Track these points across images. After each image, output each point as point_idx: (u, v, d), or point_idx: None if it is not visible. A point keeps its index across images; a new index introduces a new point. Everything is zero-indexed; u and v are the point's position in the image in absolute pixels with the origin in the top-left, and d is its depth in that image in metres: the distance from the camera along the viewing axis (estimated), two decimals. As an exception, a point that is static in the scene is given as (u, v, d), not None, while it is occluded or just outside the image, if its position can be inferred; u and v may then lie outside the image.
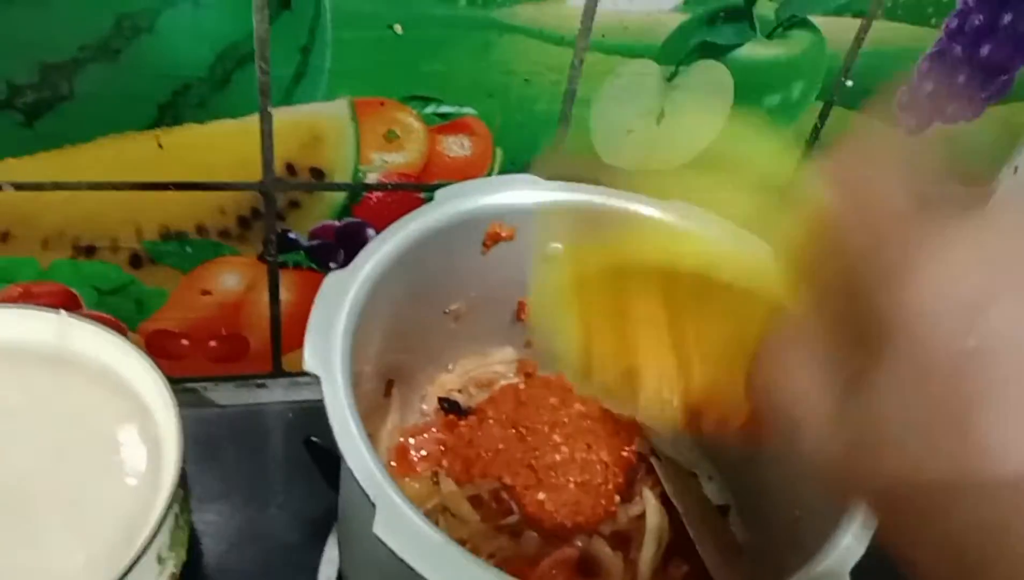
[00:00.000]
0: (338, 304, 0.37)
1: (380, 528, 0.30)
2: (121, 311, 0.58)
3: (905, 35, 0.57)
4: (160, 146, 0.50)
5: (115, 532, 0.42)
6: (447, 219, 0.44)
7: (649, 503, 0.46)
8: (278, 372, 0.65)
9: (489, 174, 0.57)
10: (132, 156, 0.50)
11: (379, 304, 0.40)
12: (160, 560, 0.42)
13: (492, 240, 0.45)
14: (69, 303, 0.56)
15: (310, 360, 0.35)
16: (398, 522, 0.31)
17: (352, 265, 0.39)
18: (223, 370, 0.63)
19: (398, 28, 0.49)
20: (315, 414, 0.35)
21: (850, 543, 0.34)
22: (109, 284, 0.56)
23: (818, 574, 0.33)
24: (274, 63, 0.48)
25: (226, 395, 0.64)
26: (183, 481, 0.45)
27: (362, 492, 0.32)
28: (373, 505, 0.31)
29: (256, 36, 0.47)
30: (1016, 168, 0.68)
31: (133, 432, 0.46)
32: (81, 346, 0.48)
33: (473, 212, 0.44)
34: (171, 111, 0.49)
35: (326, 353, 0.35)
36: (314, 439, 0.49)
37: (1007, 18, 0.57)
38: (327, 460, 0.48)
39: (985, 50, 0.58)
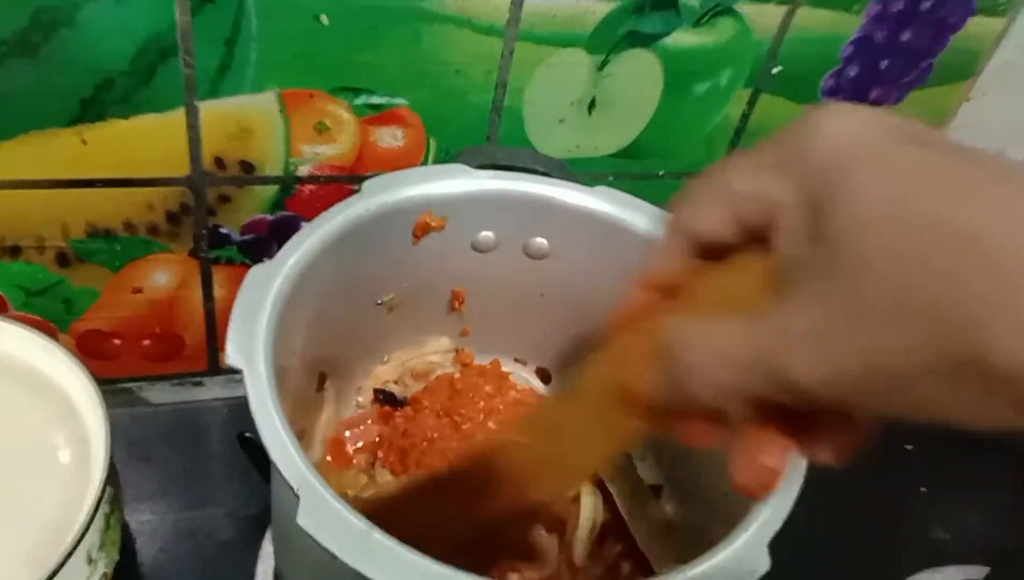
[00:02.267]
0: (261, 297, 0.37)
1: (303, 518, 0.30)
2: (50, 312, 0.56)
3: (829, 21, 0.58)
4: (84, 142, 0.49)
5: (44, 533, 0.41)
6: (376, 209, 0.43)
7: (583, 485, 0.46)
8: (214, 369, 0.64)
9: (424, 164, 0.57)
10: (55, 153, 0.49)
11: (305, 296, 0.40)
12: (90, 561, 0.41)
13: (422, 230, 0.46)
14: (-5, 304, 0.54)
15: (232, 354, 0.35)
16: (321, 512, 0.31)
17: (276, 258, 0.39)
18: (158, 369, 0.63)
19: (324, 19, 0.48)
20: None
21: (769, 516, 0.35)
22: (36, 284, 0.55)
23: (739, 547, 0.34)
24: (198, 56, 0.48)
25: (162, 394, 0.64)
26: (113, 480, 0.44)
27: (287, 484, 0.32)
28: (297, 496, 0.31)
29: (179, 28, 0.46)
30: (940, 151, 0.70)
31: (61, 433, 0.45)
32: (6, 348, 0.47)
33: (402, 202, 0.44)
34: (94, 106, 0.48)
35: (249, 346, 0.35)
36: (247, 434, 0.48)
37: (927, 4, 0.58)
38: (261, 455, 0.48)
39: (907, 35, 0.60)
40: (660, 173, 0.63)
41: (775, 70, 0.59)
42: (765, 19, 0.56)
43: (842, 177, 0.21)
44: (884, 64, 0.61)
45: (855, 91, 0.62)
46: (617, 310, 0.30)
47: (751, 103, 0.61)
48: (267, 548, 0.50)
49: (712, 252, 0.27)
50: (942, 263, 0.19)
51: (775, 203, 0.24)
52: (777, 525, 0.34)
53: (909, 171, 0.21)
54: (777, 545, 0.34)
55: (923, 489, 0.67)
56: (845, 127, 0.22)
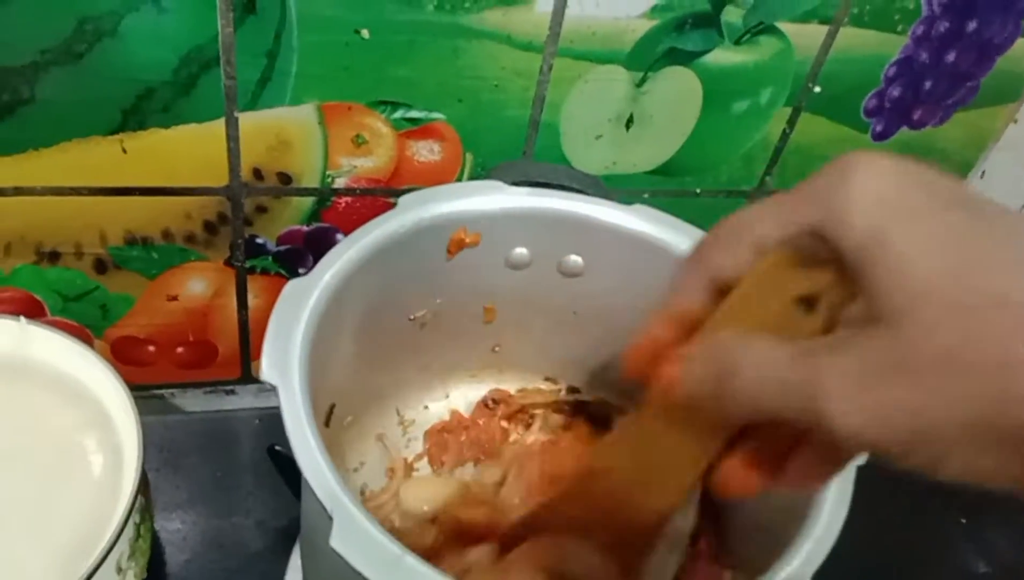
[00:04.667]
0: (297, 312, 0.37)
1: (337, 541, 0.30)
2: (86, 317, 0.57)
3: (872, 41, 0.57)
4: (124, 151, 0.50)
5: (74, 540, 0.41)
6: (411, 225, 0.43)
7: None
8: (247, 378, 0.64)
9: (459, 179, 0.57)
10: (96, 161, 0.49)
11: (341, 312, 0.40)
12: (119, 569, 0.42)
13: (457, 246, 0.45)
14: (33, 310, 0.55)
15: (267, 370, 0.34)
16: (355, 535, 0.30)
17: (312, 273, 0.39)
18: (191, 376, 0.63)
19: (365, 33, 0.48)
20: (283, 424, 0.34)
21: (812, 549, 0.34)
22: (73, 290, 0.55)
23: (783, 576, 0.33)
24: (240, 67, 0.48)
25: (194, 402, 0.64)
26: (144, 489, 0.44)
27: (319, 505, 0.31)
28: (330, 518, 0.31)
29: (221, 40, 0.47)
30: (983, 173, 0.69)
31: (93, 439, 0.45)
32: (41, 353, 0.47)
33: (437, 218, 0.44)
34: (135, 116, 0.48)
35: (284, 362, 0.35)
36: (278, 447, 0.48)
37: (972, 25, 0.57)
38: (291, 469, 0.48)
39: (951, 56, 0.59)
40: (697, 191, 0.62)
41: (816, 89, 0.58)
42: (807, 38, 0.56)
43: (886, 242, 0.22)
44: (928, 85, 0.60)
45: (898, 111, 0.61)
46: (635, 345, 0.30)
47: (791, 122, 0.60)
48: (295, 562, 0.50)
49: (726, 293, 0.27)
50: (995, 334, 0.20)
51: (807, 245, 0.24)
52: (821, 558, 0.33)
53: (954, 239, 0.21)
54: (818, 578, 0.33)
55: (963, 520, 0.66)
56: (880, 185, 0.23)
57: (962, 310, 0.21)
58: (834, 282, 0.24)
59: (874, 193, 0.22)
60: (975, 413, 0.20)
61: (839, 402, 0.22)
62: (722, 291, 0.27)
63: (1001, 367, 0.20)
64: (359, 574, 0.30)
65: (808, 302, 0.25)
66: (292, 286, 0.38)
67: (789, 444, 0.27)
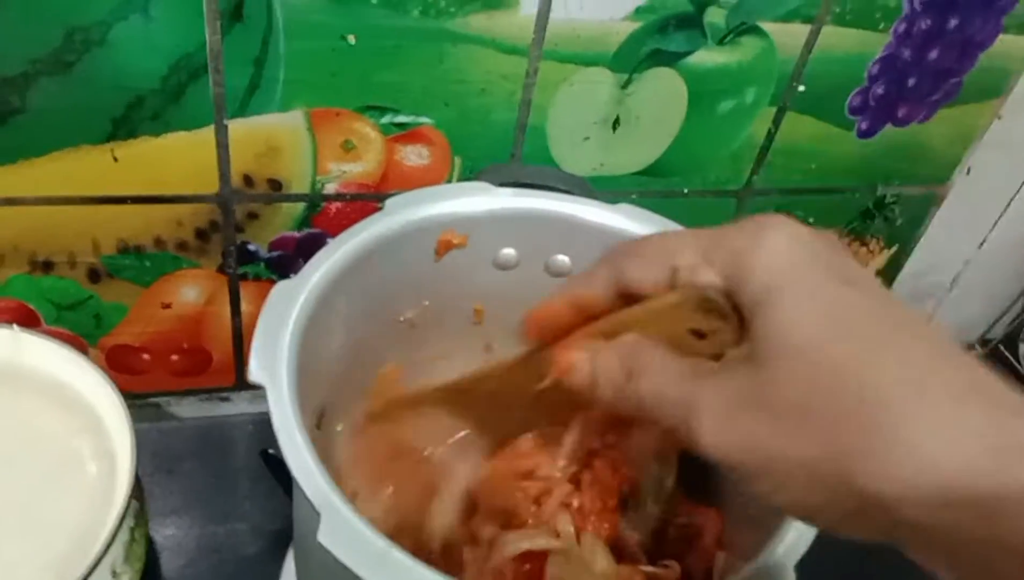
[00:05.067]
0: (285, 314, 0.37)
1: (324, 536, 0.30)
2: (80, 326, 0.57)
3: (854, 40, 0.58)
4: (115, 159, 0.50)
5: (69, 546, 0.41)
6: (398, 227, 0.44)
7: None
8: (241, 385, 0.65)
9: (449, 182, 0.57)
10: (87, 170, 0.50)
11: (329, 313, 0.40)
12: (114, 574, 0.42)
13: (444, 248, 0.46)
14: (27, 319, 0.55)
15: (256, 370, 0.35)
16: (342, 530, 0.31)
17: (299, 275, 0.39)
18: (186, 384, 0.63)
19: (351, 38, 0.49)
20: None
21: (796, 538, 0.34)
22: (67, 299, 0.56)
23: (764, 568, 0.34)
24: (228, 75, 0.48)
25: (189, 409, 0.64)
26: (138, 495, 0.45)
27: (308, 501, 0.32)
28: (318, 514, 0.31)
29: (209, 48, 0.47)
30: (969, 169, 0.70)
31: (87, 446, 0.45)
32: (35, 361, 0.48)
33: (424, 220, 0.44)
34: (125, 124, 0.49)
35: (273, 363, 0.35)
36: (271, 451, 0.49)
37: (953, 22, 0.58)
38: (284, 471, 0.48)
39: (933, 54, 0.59)
40: (685, 191, 0.63)
41: (800, 88, 0.59)
42: (790, 38, 0.56)
43: (777, 302, 0.25)
44: (911, 82, 0.61)
45: (882, 109, 0.62)
46: (537, 310, 0.35)
47: (776, 121, 0.61)
48: (289, 565, 0.51)
49: (628, 299, 0.31)
50: (838, 397, 0.23)
51: (713, 298, 0.28)
52: (804, 547, 0.34)
53: (831, 313, 0.24)
54: (805, 567, 0.33)
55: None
56: (786, 252, 0.26)
57: (821, 370, 0.23)
58: (726, 329, 0.28)
59: (779, 257, 0.26)
60: (811, 455, 0.23)
61: (708, 423, 0.26)
62: (624, 295, 0.31)
63: (835, 423, 0.23)
64: (347, 569, 0.30)
65: (701, 335, 0.29)
66: (280, 288, 0.38)
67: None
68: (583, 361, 0.31)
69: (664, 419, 0.28)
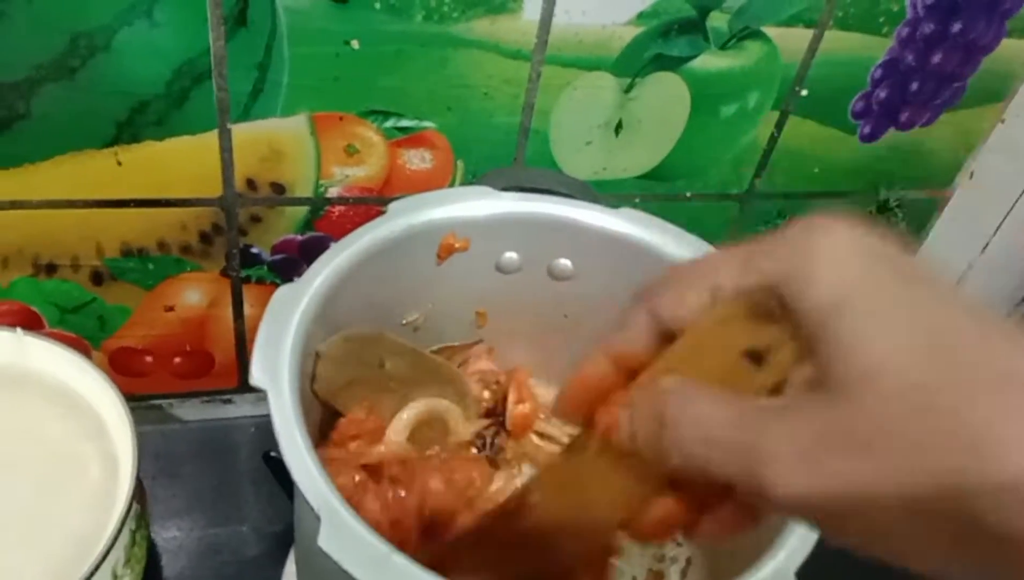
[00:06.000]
0: (287, 318, 0.37)
1: (324, 540, 0.31)
2: (84, 329, 0.58)
3: (857, 44, 0.58)
4: (119, 163, 0.50)
5: (70, 548, 0.42)
6: (400, 231, 0.44)
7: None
8: (244, 387, 0.65)
9: (451, 186, 0.57)
10: (91, 174, 0.50)
11: (332, 317, 0.40)
12: (115, 577, 0.42)
13: (446, 251, 0.46)
14: (31, 322, 0.56)
15: (257, 374, 0.35)
16: (343, 534, 0.31)
17: (302, 278, 0.39)
18: (188, 386, 0.63)
19: (355, 43, 0.49)
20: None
21: (796, 544, 0.34)
22: (71, 302, 0.56)
23: (765, 575, 0.34)
24: (232, 79, 0.49)
25: (192, 411, 0.64)
26: (139, 497, 0.45)
27: (308, 505, 0.32)
28: (318, 518, 0.31)
29: (213, 53, 0.47)
30: (972, 173, 0.69)
31: (90, 448, 0.46)
32: (38, 364, 0.48)
33: (426, 224, 0.45)
34: (129, 128, 0.49)
35: (274, 367, 0.35)
36: (273, 453, 0.49)
37: (956, 26, 0.58)
38: (286, 474, 0.48)
39: (936, 58, 0.59)
40: (688, 195, 0.63)
41: (803, 93, 0.59)
42: (793, 42, 0.56)
43: (846, 312, 0.22)
44: (914, 86, 0.61)
45: (885, 113, 0.62)
46: (572, 383, 0.29)
47: (779, 125, 0.61)
48: (290, 567, 0.51)
49: (672, 335, 0.27)
50: (935, 420, 0.20)
51: (764, 302, 0.24)
52: (804, 553, 0.34)
53: (914, 326, 0.21)
54: (804, 573, 0.33)
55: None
56: (846, 252, 0.23)
57: (914, 393, 0.20)
58: (785, 340, 0.24)
59: (839, 259, 0.22)
60: (913, 488, 0.20)
61: (782, 470, 0.22)
62: (667, 336, 0.27)
63: (937, 447, 0.20)
64: (347, 574, 0.30)
65: (757, 357, 0.25)
66: (282, 292, 0.39)
67: (710, 497, 0.26)
68: (624, 417, 0.26)
69: (720, 472, 0.23)
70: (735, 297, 0.25)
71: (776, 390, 0.24)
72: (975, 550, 0.20)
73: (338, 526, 0.31)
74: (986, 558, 0.20)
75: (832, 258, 0.22)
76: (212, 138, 0.51)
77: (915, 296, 0.22)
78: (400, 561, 0.31)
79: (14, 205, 0.50)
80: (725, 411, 0.24)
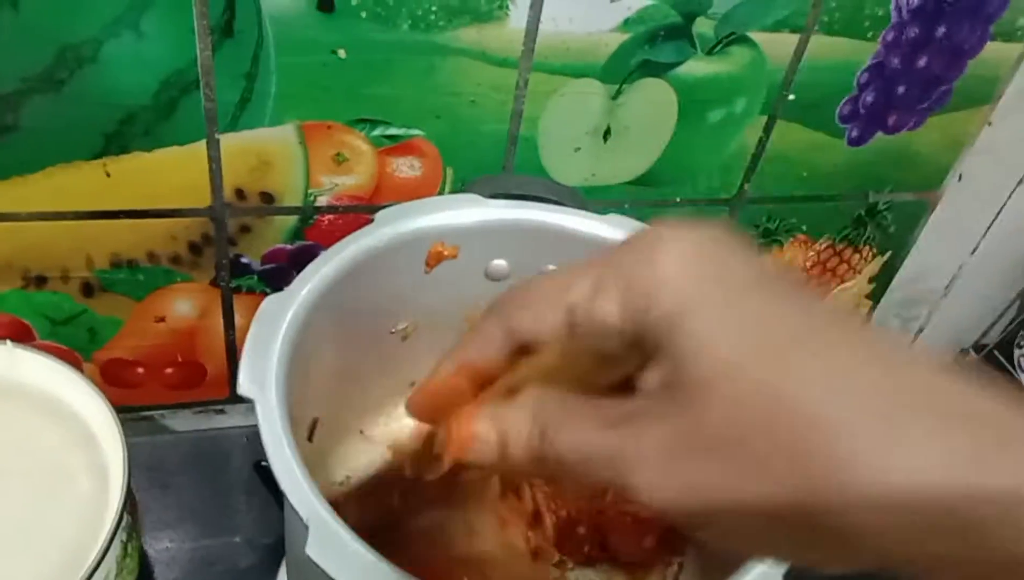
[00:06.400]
0: (275, 327, 0.38)
1: (312, 549, 0.31)
2: (74, 341, 0.58)
3: (843, 49, 0.58)
4: (108, 175, 0.50)
5: (61, 560, 0.41)
6: (388, 239, 0.44)
7: None
8: (236, 398, 0.64)
9: (441, 193, 0.57)
10: (80, 185, 0.50)
11: (320, 325, 0.40)
12: (106, 589, 0.42)
13: (435, 259, 0.46)
14: (21, 334, 0.56)
15: (245, 383, 0.35)
16: (330, 543, 0.31)
17: (290, 288, 0.39)
18: (180, 397, 0.63)
19: (342, 53, 0.49)
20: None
21: (765, 571, 0.34)
22: (61, 314, 0.56)
23: (756, 575, 0.33)
24: (219, 90, 0.49)
25: (184, 422, 0.64)
26: (131, 509, 0.45)
27: (296, 513, 0.32)
28: (306, 526, 0.31)
29: (200, 63, 0.47)
30: (960, 176, 0.70)
31: (80, 460, 0.45)
32: (28, 376, 0.48)
33: (414, 232, 0.45)
34: (117, 140, 0.49)
35: (262, 376, 0.36)
36: (264, 463, 0.48)
37: (941, 30, 0.58)
38: (276, 483, 0.48)
39: (922, 61, 0.60)
40: (677, 200, 0.63)
41: (790, 97, 0.59)
42: (779, 47, 0.57)
43: (686, 328, 0.22)
44: (901, 90, 0.61)
45: (872, 117, 0.62)
46: (423, 389, 0.30)
47: (767, 130, 0.61)
48: (283, 578, 0.51)
49: (525, 349, 0.27)
50: (770, 424, 0.21)
51: (616, 332, 0.25)
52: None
53: (745, 330, 0.22)
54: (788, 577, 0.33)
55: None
56: (686, 270, 0.23)
57: (748, 397, 0.21)
58: (632, 355, 0.25)
59: (680, 277, 0.23)
60: (759, 494, 0.21)
61: (647, 475, 0.23)
62: (519, 350, 0.27)
63: (775, 453, 0.21)
64: (335, 581, 0.30)
65: (609, 361, 0.26)
66: (269, 302, 0.39)
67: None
68: (486, 430, 0.27)
69: (594, 477, 0.24)
70: (587, 321, 0.25)
71: (627, 385, 0.25)
72: (838, 548, 0.21)
73: (325, 535, 0.31)
74: (851, 554, 0.21)
75: (671, 272, 0.23)
76: (200, 148, 0.51)
77: (750, 304, 0.23)
78: (387, 569, 0.31)
79: (3, 218, 0.50)
80: (594, 415, 0.24)
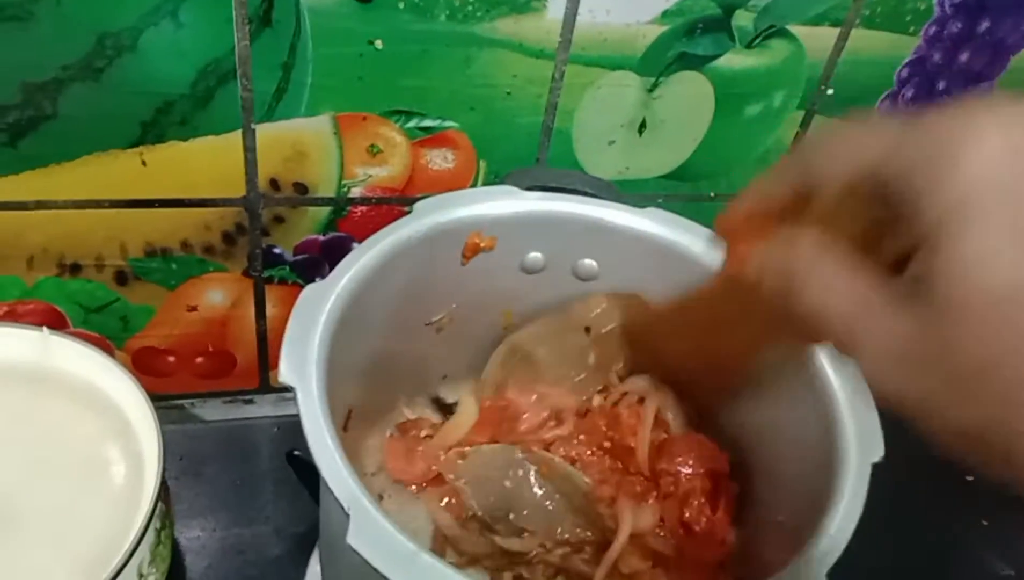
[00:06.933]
0: (315, 316, 0.37)
1: (353, 537, 0.30)
2: (107, 329, 0.58)
3: (884, 43, 0.57)
4: (144, 164, 0.50)
5: (96, 548, 0.42)
6: (426, 231, 0.44)
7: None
8: (265, 388, 0.65)
9: (473, 186, 0.57)
10: (116, 174, 0.50)
11: (358, 316, 0.40)
12: (140, 576, 0.42)
13: (471, 251, 0.46)
14: (55, 321, 0.56)
15: (286, 371, 0.35)
16: (371, 531, 0.31)
17: (329, 277, 0.39)
18: (210, 386, 0.64)
19: (378, 43, 0.49)
20: (302, 429, 0.35)
21: (827, 547, 0.34)
22: (95, 302, 0.56)
23: (796, 575, 0.33)
24: (256, 80, 0.49)
25: (213, 411, 0.65)
26: (164, 497, 0.45)
27: (337, 504, 0.32)
28: (347, 515, 0.31)
29: (237, 53, 0.47)
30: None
31: (115, 448, 0.46)
32: (63, 363, 0.48)
33: (451, 223, 0.45)
34: (154, 129, 0.49)
35: (302, 365, 0.35)
36: (297, 453, 0.49)
37: (984, 25, 0.57)
38: (310, 473, 0.48)
39: (964, 56, 0.59)
40: (711, 195, 0.62)
41: (829, 92, 0.59)
42: (819, 41, 0.56)
43: (972, 228, 0.21)
44: (941, 85, 0.60)
45: (912, 112, 0.61)
46: (728, 211, 0.32)
47: (804, 125, 0.60)
48: (314, 567, 0.51)
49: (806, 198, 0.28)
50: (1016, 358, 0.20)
51: (896, 202, 0.23)
52: (836, 556, 0.33)
53: (1020, 265, 0.20)
54: (833, 576, 0.33)
55: (984, 522, 0.65)
56: (1000, 162, 0.21)
57: (1015, 330, 0.20)
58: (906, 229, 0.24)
59: (989, 165, 0.21)
60: (975, 421, 0.21)
61: (876, 365, 0.23)
62: (805, 197, 0.28)
63: (1014, 389, 0.20)
64: (376, 571, 0.30)
65: (885, 227, 0.25)
66: (310, 290, 0.39)
67: None
68: (755, 254, 0.28)
69: (828, 340, 0.25)
70: (871, 178, 0.25)
71: (900, 265, 0.24)
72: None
73: (367, 524, 0.31)
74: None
75: (981, 157, 0.21)
76: (236, 138, 0.51)
77: None
78: (428, 559, 0.30)
79: (40, 205, 0.50)
80: (848, 283, 0.24)
